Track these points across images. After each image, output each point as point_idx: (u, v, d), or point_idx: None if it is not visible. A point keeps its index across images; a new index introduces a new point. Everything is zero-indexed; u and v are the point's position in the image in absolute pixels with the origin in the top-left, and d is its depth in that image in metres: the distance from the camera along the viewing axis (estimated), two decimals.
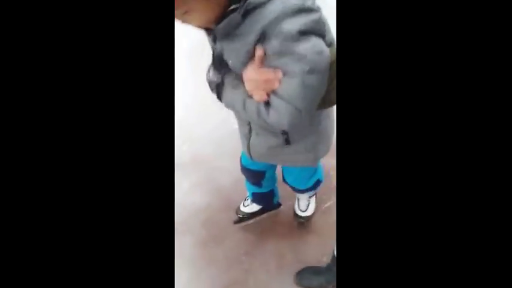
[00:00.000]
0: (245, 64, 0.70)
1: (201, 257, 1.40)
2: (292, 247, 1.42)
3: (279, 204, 1.51)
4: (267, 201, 1.48)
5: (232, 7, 0.64)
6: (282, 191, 1.42)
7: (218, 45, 0.74)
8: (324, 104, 0.75)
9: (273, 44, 0.63)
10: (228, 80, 0.76)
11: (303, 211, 1.49)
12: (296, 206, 1.51)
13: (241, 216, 1.53)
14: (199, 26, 0.69)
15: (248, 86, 0.71)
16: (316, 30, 0.64)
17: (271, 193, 1.43)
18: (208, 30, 0.72)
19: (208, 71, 0.80)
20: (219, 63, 0.77)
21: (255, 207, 1.53)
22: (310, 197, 1.48)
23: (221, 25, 0.66)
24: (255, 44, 0.65)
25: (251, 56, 0.68)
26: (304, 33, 0.62)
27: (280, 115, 0.69)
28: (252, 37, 0.65)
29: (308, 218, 1.49)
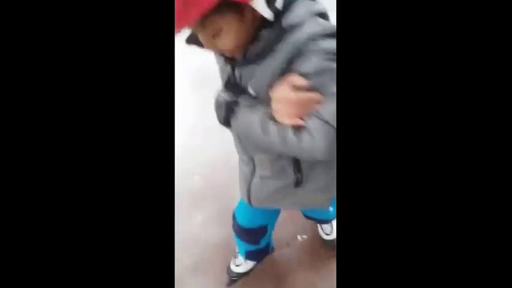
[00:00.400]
0: (272, 86, 0.64)
1: None
2: (324, 277, 1.29)
3: (273, 249, 1.34)
4: (264, 255, 1.31)
5: (264, 31, 0.60)
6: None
7: (237, 72, 0.69)
8: None
9: (313, 61, 0.59)
10: (244, 101, 0.68)
11: (328, 234, 1.37)
12: (320, 231, 1.39)
13: (234, 277, 1.33)
14: (228, 51, 0.64)
15: (279, 107, 0.63)
16: None
17: (268, 246, 1.26)
18: (229, 58, 0.68)
19: (219, 93, 0.73)
20: (233, 86, 0.71)
21: (249, 265, 1.33)
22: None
23: (254, 49, 0.62)
24: (288, 62, 0.61)
25: (282, 76, 0.62)
26: None
27: (315, 139, 0.60)
28: (283, 55, 0.61)
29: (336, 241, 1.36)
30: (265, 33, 0.60)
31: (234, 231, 1.14)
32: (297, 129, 0.63)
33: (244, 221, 1.10)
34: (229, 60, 0.68)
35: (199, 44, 0.64)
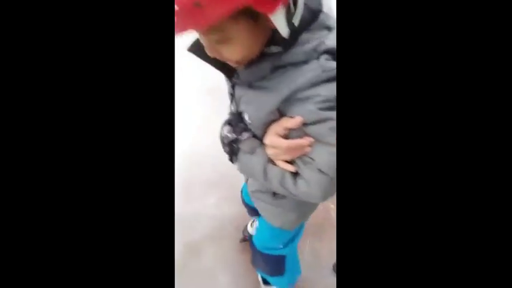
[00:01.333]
0: (266, 124, 0.64)
1: (239, 262, 1.44)
2: (328, 243, 1.45)
3: None
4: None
5: (272, 49, 0.56)
6: None
7: (237, 92, 0.67)
8: None
9: (309, 108, 0.56)
10: (245, 141, 0.69)
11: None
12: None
13: (247, 236, 1.43)
14: (233, 61, 0.58)
15: (270, 152, 0.65)
16: None
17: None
18: (229, 73, 0.64)
19: (224, 125, 0.73)
20: (236, 118, 0.70)
21: None
22: None
23: (247, 70, 0.59)
24: (284, 102, 0.58)
25: (274, 118, 0.62)
26: None
27: (312, 186, 0.61)
28: (278, 96, 0.58)
29: None
30: (274, 50, 0.56)
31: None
32: (294, 174, 0.64)
33: (245, 196, 1.18)
34: (230, 76, 0.65)
35: (202, 54, 0.59)
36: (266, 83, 0.60)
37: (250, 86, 0.63)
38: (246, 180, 0.97)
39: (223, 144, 0.73)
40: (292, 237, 1.03)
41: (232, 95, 0.70)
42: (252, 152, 0.68)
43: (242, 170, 0.73)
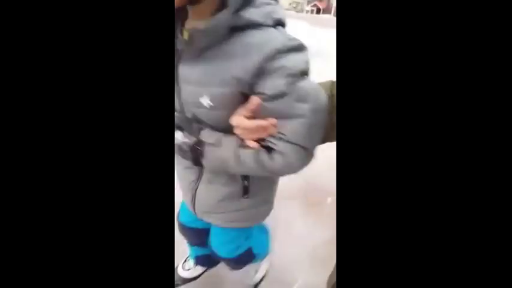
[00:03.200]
0: (232, 105, 0.60)
1: None
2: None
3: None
4: (215, 261, 1.23)
5: (220, 14, 0.54)
6: None
7: (183, 71, 0.62)
8: (327, 140, 0.66)
9: (278, 83, 0.55)
10: (207, 136, 0.65)
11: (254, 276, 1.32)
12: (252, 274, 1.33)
13: (178, 283, 1.28)
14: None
15: (238, 132, 0.61)
16: (309, 69, 0.60)
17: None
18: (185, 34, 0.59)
19: (177, 139, 0.68)
20: (183, 119, 0.67)
21: (199, 270, 1.30)
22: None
23: (203, 32, 0.55)
24: (251, 76, 0.56)
25: (241, 99, 0.59)
26: (304, 73, 0.58)
27: (288, 159, 0.60)
28: (244, 64, 0.56)
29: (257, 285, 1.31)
30: (221, 16, 0.54)
31: (180, 231, 1.11)
32: (269, 151, 0.62)
33: (187, 219, 1.06)
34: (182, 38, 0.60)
35: None
36: (225, 48, 0.57)
37: (200, 56, 0.59)
38: (191, 203, 0.87)
39: (183, 152, 0.68)
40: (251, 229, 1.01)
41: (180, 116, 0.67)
42: (218, 143, 0.64)
43: (212, 166, 0.68)
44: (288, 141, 0.59)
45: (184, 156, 0.69)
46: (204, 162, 0.67)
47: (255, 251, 1.09)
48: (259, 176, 0.70)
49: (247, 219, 0.86)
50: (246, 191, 0.79)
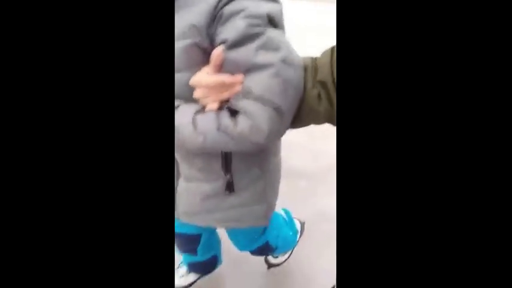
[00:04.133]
0: (191, 61, 0.53)
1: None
2: None
3: (221, 264, 1.20)
4: (209, 269, 1.17)
5: None
6: None
7: None
8: (299, 122, 0.56)
9: (238, 25, 0.48)
10: None
11: (277, 257, 1.32)
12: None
13: None
14: None
15: (198, 94, 0.53)
16: (282, 23, 0.53)
17: (214, 260, 1.11)
18: None
19: None
20: None
21: (192, 277, 1.23)
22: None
23: None
24: (207, 21, 0.50)
25: (202, 60, 0.52)
26: (272, 20, 0.50)
27: (255, 120, 0.49)
28: (197, 12, 0.50)
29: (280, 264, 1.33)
30: None
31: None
32: (232, 113, 0.52)
33: (175, 225, 0.91)
34: None
35: None
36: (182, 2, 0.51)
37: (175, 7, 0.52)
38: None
39: None
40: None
41: None
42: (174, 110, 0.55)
43: None
44: (253, 99, 0.49)
45: None
46: None
47: (273, 244, 1.05)
48: (243, 166, 0.64)
49: (239, 220, 0.75)
50: (229, 187, 0.68)
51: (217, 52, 0.49)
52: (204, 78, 0.51)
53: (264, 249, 1.04)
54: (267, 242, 1.02)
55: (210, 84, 0.51)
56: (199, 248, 1.01)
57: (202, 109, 0.54)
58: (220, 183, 0.68)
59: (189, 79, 0.53)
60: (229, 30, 0.49)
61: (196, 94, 0.53)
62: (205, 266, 1.13)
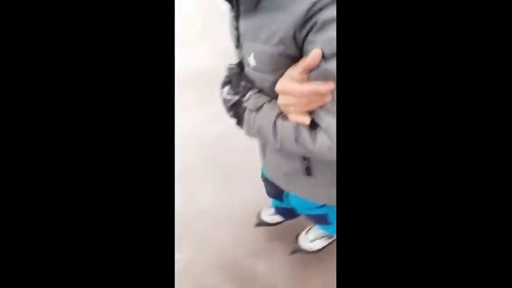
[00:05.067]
0: (275, 65, 0.52)
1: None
2: None
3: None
4: (292, 216, 1.27)
5: None
6: None
7: (242, 25, 0.56)
8: None
9: (330, 35, 0.44)
10: (249, 99, 0.59)
11: (312, 241, 1.29)
12: (304, 231, 1.33)
13: (260, 224, 1.40)
14: None
15: (281, 101, 0.53)
16: None
17: (295, 210, 1.16)
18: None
19: (222, 86, 0.65)
20: (235, 73, 0.62)
21: (277, 218, 1.37)
22: (322, 235, 1.28)
23: None
24: (294, 33, 0.47)
25: (285, 55, 0.50)
26: None
27: (334, 142, 0.48)
28: (288, 17, 0.47)
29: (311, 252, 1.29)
30: None
31: (262, 179, 1.14)
32: (312, 127, 0.51)
33: (266, 173, 1.01)
34: (231, 2, 0.55)
35: None
36: (275, 1, 0.48)
37: (256, 8, 0.51)
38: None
39: (226, 108, 0.63)
40: None
41: (238, 36, 0.58)
42: (257, 108, 0.57)
43: (249, 132, 0.62)
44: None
45: (228, 113, 0.64)
46: (245, 127, 0.62)
47: (330, 219, 1.04)
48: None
49: (316, 198, 0.81)
50: (308, 171, 0.71)
51: (316, 53, 0.46)
52: (295, 86, 0.49)
53: (321, 220, 1.06)
54: (325, 214, 1.02)
55: (304, 93, 0.48)
56: (284, 196, 1.11)
57: (284, 115, 0.54)
58: (299, 164, 0.71)
59: (273, 80, 0.53)
60: (325, 41, 0.45)
61: (281, 100, 0.53)
62: (289, 213, 1.23)
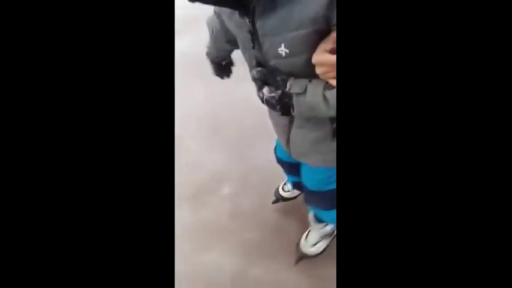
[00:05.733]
0: (308, 46, 0.57)
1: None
2: None
3: None
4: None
5: None
6: None
7: (259, 25, 0.60)
8: None
9: None
10: (293, 85, 0.64)
11: (312, 245, 1.29)
12: (303, 237, 1.33)
13: (278, 199, 1.48)
14: None
15: (321, 70, 0.58)
16: None
17: None
18: (244, 9, 0.59)
19: (259, 89, 0.69)
20: (267, 73, 0.66)
21: (295, 193, 1.46)
22: (322, 236, 1.28)
23: None
24: (325, 17, 0.53)
25: (317, 35, 0.56)
26: None
27: None
28: (317, 8, 0.52)
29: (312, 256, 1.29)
30: None
31: (277, 162, 1.21)
32: None
33: (281, 155, 1.13)
34: (245, 11, 0.59)
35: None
36: None
37: (274, 7, 0.56)
38: (285, 141, 0.89)
39: (272, 105, 0.69)
40: None
41: (253, 39, 0.63)
42: (304, 91, 0.63)
43: (304, 114, 0.68)
44: None
45: (274, 109, 0.70)
46: (295, 112, 0.67)
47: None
48: None
49: (330, 162, 0.85)
50: (335, 133, 0.78)
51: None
52: (327, 57, 0.55)
53: (332, 197, 1.05)
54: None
55: (333, 63, 0.54)
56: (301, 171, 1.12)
57: (328, 85, 0.60)
58: (327, 129, 0.77)
59: (305, 61, 0.59)
60: None
61: (319, 71, 0.58)
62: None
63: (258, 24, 0.60)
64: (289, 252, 1.34)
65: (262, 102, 0.70)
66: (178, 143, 1.69)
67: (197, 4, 0.56)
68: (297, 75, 0.64)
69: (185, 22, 2.37)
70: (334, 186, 1.03)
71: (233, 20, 0.68)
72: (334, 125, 0.75)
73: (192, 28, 2.21)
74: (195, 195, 1.62)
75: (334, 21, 0.53)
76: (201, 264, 1.37)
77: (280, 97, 0.66)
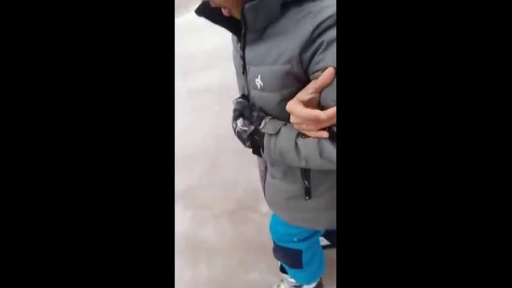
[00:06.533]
0: (282, 87, 0.56)
1: None
2: None
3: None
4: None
5: None
6: None
7: (247, 54, 0.60)
8: None
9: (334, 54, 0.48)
10: (266, 125, 0.61)
11: None
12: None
13: None
14: (223, 3, 0.55)
15: (295, 120, 0.55)
16: None
17: (319, 265, 1.08)
18: (240, 33, 0.59)
19: (235, 119, 0.67)
20: (246, 105, 0.65)
21: None
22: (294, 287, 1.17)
23: (254, 12, 0.51)
24: (300, 53, 0.51)
25: (291, 76, 0.54)
26: None
27: None
28: (295, 39, 0.51)
29: None
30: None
31: (274, 254, 1.07)
32: (333, 138, 0.53)
33: (278, 238, 0.99)
34: (238, 35, 0.59)
35: (210, 15, 0.58)
36: (279, 27, 0.53)
37: (261, 37, 0.56)
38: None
39: (242, 139, 0.66)
40: (310, 235, 0.93)
41: (243, 65, 0.62)
42: (276, 133, 0.59)
43: (272, 158, 0.63)
44: None
45: (244, 144, 0.67)
46: (264, 153, 0.63)
47: (304, 258, 0.99)
48: (321, 175, 0.65)
49: (316, 222, 0.80)
50: (307, 192, 0.72)
51: (328, 77, 0.49)
52: (299, 110, 0.52)
53: (293, 256, 0.99)
54: (300, 250, 0.97)
55: (306, 118, 0.52)
56: (303, 260, 1.01)
57: (302, 133, 0.57)
58: (299, 186, 0.72)
59: (280, 102, 0.57)
60: (331, 58, 0.48)
61: (292, 119, 0.56)
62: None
63: (246, 50, 0.60)
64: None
65: (234, 133, 0.67)
66: (214, 161, 1.80)
67: None
68: (270, 114, 0.62)
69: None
70: (293, 246, 0.96)
71: (234, 45, 0.68)
72: (306, 182, 0.70)
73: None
74: (234, 211, 1.64)
75: (313, 69, 0.51)
76: (249, 281, 1.35)
77: (252, 133, 0.63)
